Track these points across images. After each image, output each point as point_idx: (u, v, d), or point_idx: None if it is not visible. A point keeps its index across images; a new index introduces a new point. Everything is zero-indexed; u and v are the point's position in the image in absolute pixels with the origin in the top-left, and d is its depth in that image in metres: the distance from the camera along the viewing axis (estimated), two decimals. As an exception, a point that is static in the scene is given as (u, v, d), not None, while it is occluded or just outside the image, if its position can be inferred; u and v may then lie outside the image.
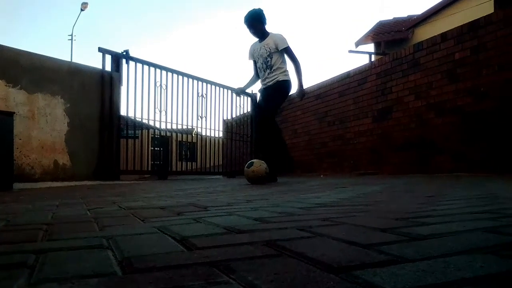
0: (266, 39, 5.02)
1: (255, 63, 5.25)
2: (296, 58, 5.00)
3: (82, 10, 24.82)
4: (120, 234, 1.10)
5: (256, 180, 4.43)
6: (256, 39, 5.15)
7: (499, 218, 1.25)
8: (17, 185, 4.55)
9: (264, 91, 5.10)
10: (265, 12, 5.06)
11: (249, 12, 5.02)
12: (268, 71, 5.02)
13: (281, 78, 4.97)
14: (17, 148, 5.18)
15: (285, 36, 5.01)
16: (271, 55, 4.97)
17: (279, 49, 4.93)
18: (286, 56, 5.02)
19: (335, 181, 4.99)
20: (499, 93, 4.62)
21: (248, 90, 7.18)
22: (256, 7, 5.09)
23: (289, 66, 5.08)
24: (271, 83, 5.01)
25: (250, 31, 5.06)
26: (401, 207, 1.63)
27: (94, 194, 3.44)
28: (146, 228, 1.24)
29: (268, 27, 5.11)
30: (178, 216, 1.52)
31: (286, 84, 5.03)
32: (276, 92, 4.98)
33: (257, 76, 5.32)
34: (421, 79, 5.67)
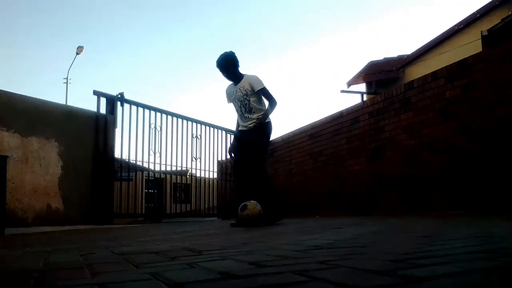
0: (241, 81, 4.94)
1: None
2: (273, 97, 4.94)
3: (77, 54, 25.09)
4: (113, 281, 1.08)
5: (251, 222, 4.37)
6: (229, 82, 5.09)
7: (497, 258, 1.23)
8: (9, 230, 4.47)
9: (246, 134, 4.98)
10: (237, 55, 5.00)
11: (221, 56, 4.95)
12: (247, 114, 4.94)
13: (260, 121, 4.89)
14: (10, 193, 5.12)
15: (260, 77, 4.95)
16: (248, 97, 4.89)
17: (255, 91, 4.86)
18: (263, 97, 4.97)
19: (330, 221, 4.95)
20: (490, 132, 4.67)
21: None
22: (228, 50, 5.00)
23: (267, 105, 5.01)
24: (252, 125, 4.91)
25: (224, 75, 4.99)
26: (397, 248, 1.62)
27: (87, 238, 3.39)
28: (139, 274, 1.22)
29: (241, 69, 5.05)
30: (172, 261, 1.49)
31: (267, 125, 4.96)
32: (260, 138, 4.89)
33: None
34: (413, 118, 5.73)
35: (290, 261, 1.37)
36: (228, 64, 4.94)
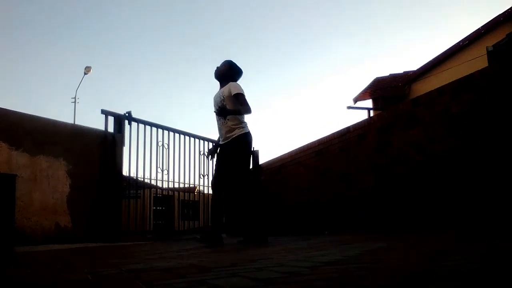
0: (224, 87, 4.91)
1: None
2: (248, 105, 4.82)
3: (85, 73, 25.32)
4: (122, 300, 1.08)
5: None
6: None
7: (510, 274, 1.22)
8: (17, 249, 4.48)
9: (225, 146, 4.92)
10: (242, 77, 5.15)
11: (235, 63, 5.11)
12: (222, 120, 4.87)
13: (237, 133, 4.81)
14: (18, 211, 5.13)
15: (241, 86, 4.91)
16: (224, 101, 4.80)
17: (232, 94, 4.76)
18: (239, 103, 4.82)
19: (339, 238, 4.92)
20: (497, 148, 4.64)
21: None
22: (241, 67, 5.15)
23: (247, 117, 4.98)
24: (229, 139, 4.84)
25: (216, 68, 5.07)
26: (408, 264, 1.60)
27: (95, 256, 3.39)
28: (149, 292, 1.22)
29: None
30: (180, 279, 1.49)
31: (246, 138, 4.86)
32: (239, 149, 4.81)
33: None
34: (421, 134, 5.70)
35: (300, 278, 1.37)
36: (229, 65, 5.06)
